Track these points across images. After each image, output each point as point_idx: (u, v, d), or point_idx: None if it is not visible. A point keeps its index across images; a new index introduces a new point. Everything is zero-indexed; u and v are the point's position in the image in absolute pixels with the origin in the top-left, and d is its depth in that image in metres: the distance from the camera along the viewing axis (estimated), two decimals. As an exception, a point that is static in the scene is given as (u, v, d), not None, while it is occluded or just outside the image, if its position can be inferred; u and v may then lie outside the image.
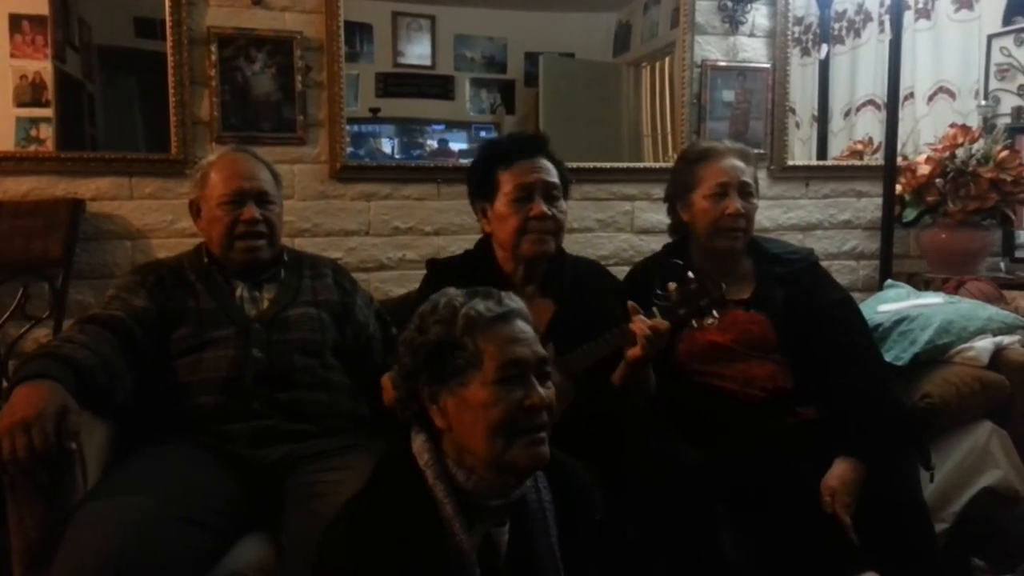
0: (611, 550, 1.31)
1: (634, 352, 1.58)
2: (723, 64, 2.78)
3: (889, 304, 2.33)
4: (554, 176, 1.76)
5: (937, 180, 2.70)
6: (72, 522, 1.39)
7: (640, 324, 1.57)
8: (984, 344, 2.13)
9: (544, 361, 1.19)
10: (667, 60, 2.87)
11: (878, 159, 2.91)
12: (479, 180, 1.81)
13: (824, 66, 3.08)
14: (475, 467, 1.16)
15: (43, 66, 2.27)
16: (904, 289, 2.49)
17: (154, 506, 1.40)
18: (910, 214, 2.77)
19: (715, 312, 1.62)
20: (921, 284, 2.69)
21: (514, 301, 1.22)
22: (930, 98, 3.10)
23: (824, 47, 3.01)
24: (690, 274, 1.62)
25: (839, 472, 1.67)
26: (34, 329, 2.21)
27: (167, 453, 1.58)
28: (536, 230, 1.72)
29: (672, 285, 1.62)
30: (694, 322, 1.63)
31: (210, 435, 1.63)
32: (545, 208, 1.72)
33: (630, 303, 1.61)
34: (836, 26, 3.18)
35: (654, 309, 1.60)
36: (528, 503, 1.23)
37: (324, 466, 1.60)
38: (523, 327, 1.19)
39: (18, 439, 1.33)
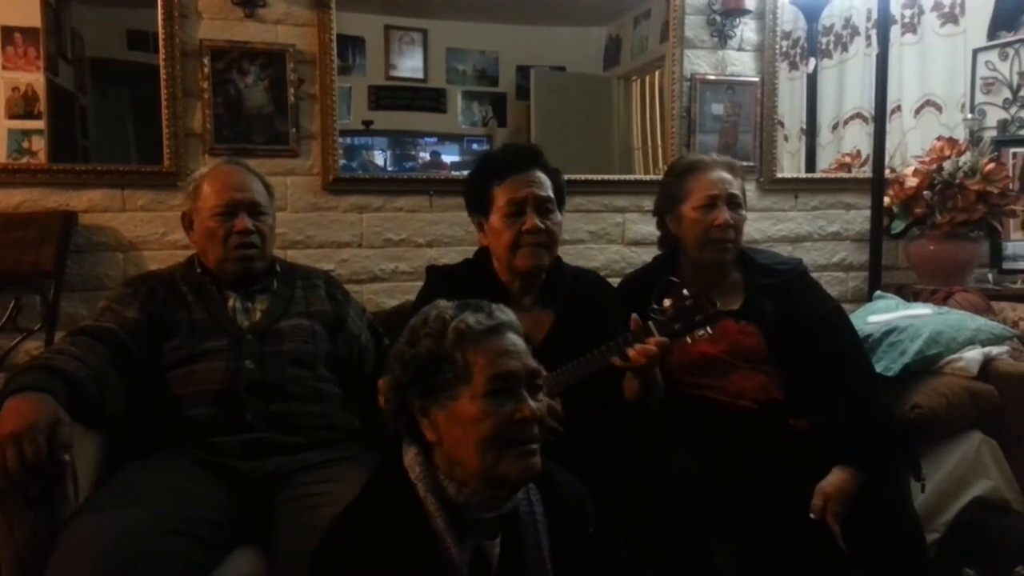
0: (603, 563, 1.30)
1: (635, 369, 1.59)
2: (712, 78, 2.80)
3: (879, 315, 2.35)
4: (547, 189, 1.77)
5: (925, 192, 2.72)
6: (63, 534, 1.38)
7: (634, 353, 1.57)
8: (973, 355, 2.15)
9: (535, 374, 1.18)
10: (657, 74, 2.89)
11: (866, 171, 2.93)
12: (475, 195, 1.82)
13: (812, 80, 3.11)
14: (466, 480, 1.15)
15: (35, 78, 2.28)
16: (893, 300, 2.50)
17: (146, 518, 1.39)
18: (898, 226, 2.79)
19: (709, 328, 1.62)
20: (910, 295, 2.71)
21: (505, 314, 1.20)
22: (917, 111, 3.14)
23: (812, 61, 3.04)
24: (685, 291, 1.63)
25: (836, 480, 1.67)
26: (25, 341, 2.21)
27: (159, 465, 1.58)
28: (529, 244, 1.73)
29: (668, 301, 1.63)
30: (688, 338, 1.64)
31: (202, 447, 1.63)
32: (538, 222, 1.73)
33: (634, 316, 1.61)
34: (823, 40, 3.22)
35: (650, 324, 1.61)
36: (520, 516, 1.22)
37: (316, 478, 1.59)
38: (514, 340, 1.18)
39: (9, 451, 1.32)
